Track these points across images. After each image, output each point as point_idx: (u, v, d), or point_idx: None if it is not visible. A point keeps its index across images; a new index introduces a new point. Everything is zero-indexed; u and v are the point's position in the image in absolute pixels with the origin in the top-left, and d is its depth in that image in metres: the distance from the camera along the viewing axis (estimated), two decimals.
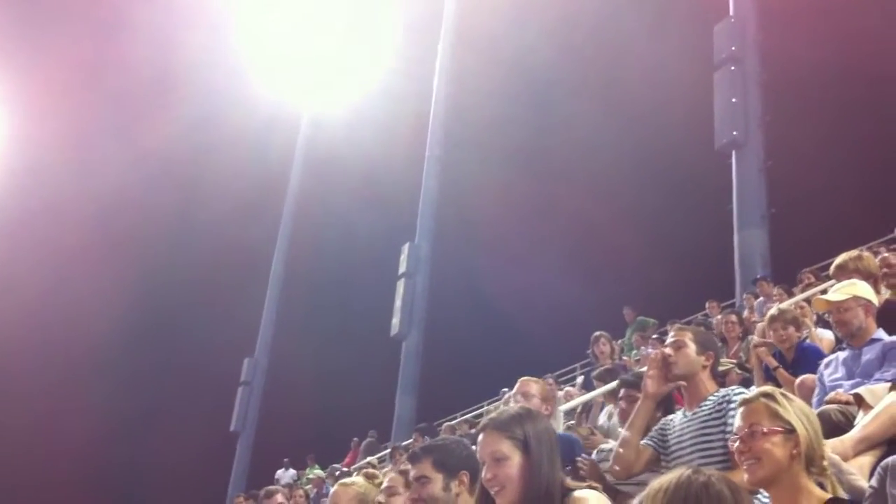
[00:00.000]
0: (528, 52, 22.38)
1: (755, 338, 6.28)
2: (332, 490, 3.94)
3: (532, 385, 4.54)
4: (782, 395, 2.32)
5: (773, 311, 5.65)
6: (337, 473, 12.24)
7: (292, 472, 18.48)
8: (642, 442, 3.58)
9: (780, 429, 2.26)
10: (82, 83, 29.34)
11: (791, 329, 5.17)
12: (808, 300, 7.36)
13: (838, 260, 4.60)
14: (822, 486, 2.27)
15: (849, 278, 4.24)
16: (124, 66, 29.67)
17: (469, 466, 2.98)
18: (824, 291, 5.30)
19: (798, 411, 2.26)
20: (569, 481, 2.52)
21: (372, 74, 27.79)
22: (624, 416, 4.41)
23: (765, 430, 2.22)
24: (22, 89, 30.98)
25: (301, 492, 10.56)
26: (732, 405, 3.36)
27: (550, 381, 10.78)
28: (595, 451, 4.42)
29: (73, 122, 29.20)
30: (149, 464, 25.30)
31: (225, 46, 29.89)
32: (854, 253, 4.65)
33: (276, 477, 18.18)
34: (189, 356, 26.32)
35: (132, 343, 27.17)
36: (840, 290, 4.02)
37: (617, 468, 3.58)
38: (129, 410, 26.31)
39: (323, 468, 15.94)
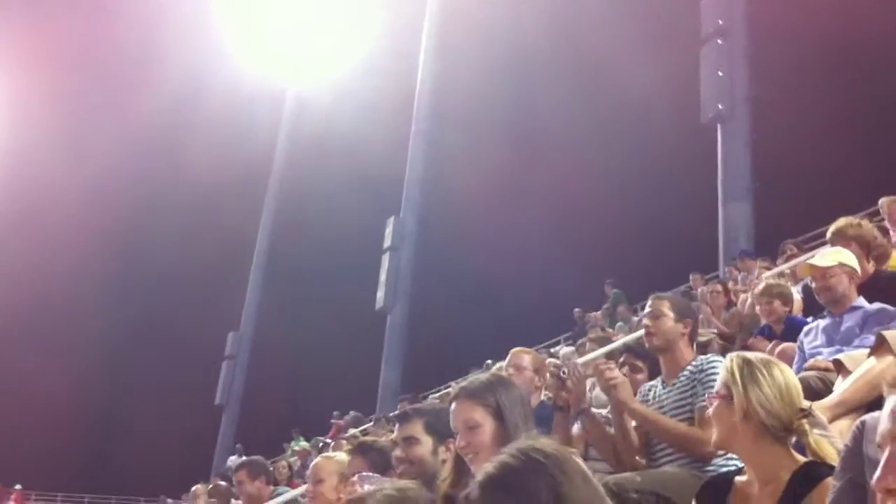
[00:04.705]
0: (513, 28, 22.23)
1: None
2: (314, 462, 3.88)
3: (524, 356, 4.39)
4: (739, 359, 2.27)
5: (760, 285, 5.67)
6: (321, 445, 12.25)
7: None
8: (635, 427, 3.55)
9: (716, 396, 2.26)
10: (63, 61, 28.95)
11: (777, 303, 5.19)
12: (793, 270, 7.36)
13: (837, 224, 4.51)
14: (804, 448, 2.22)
15: (846, 245, 4.22)
16: (106, 43, 29.31)
17: None
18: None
19: (748, 375, 2.20)
20: None
21: (357, 50, 27.55)
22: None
23: (706, 395, 2.22)
24: (3, 67, 30.54)
25: (284, 463, 10.58)
26: (703, 375, 3.36)
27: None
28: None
29: (55, 100, 28.89)
30: (134, 437, 25.29)
31: (208, 23, 29.54)
32: (854, 220, 4.58)
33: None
34: (174, 330, 26.24)
35: (117, 317, 27.07)
36: (826, 256, 4.01)
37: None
38: (114, 384, 26.26)
39: (307, 440, 15.96)
